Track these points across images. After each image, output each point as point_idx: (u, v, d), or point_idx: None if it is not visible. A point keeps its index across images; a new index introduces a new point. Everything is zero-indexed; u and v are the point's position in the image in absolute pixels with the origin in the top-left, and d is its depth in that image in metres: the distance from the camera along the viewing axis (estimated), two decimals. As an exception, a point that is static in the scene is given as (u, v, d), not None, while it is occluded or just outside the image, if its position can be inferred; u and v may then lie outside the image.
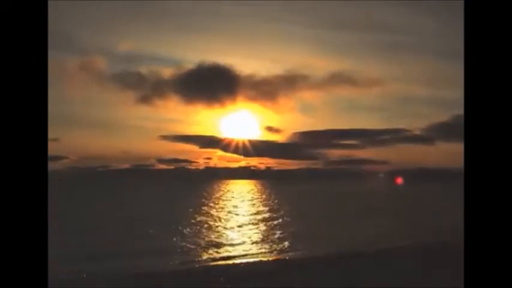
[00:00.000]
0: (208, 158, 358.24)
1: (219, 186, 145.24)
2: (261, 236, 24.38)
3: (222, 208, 47.63)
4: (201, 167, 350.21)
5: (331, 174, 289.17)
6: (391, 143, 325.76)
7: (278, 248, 20.25)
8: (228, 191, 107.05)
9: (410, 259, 15.73)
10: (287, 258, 17.93)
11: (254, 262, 17.16)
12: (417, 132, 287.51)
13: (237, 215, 38.93)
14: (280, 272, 14.46)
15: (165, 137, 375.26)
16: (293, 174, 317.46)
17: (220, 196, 77.36)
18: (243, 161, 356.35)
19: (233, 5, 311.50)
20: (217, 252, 19.35)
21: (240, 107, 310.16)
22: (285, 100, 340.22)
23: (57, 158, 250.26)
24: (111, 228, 27.44)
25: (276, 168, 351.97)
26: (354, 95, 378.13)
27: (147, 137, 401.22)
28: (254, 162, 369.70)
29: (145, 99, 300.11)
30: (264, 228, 28.41)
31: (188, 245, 21.04)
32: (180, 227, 27.69)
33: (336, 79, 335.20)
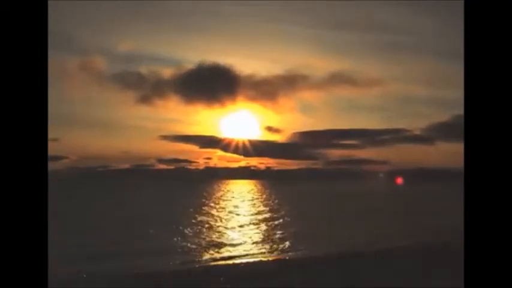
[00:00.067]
0: (208, 158, 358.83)
1: (219, 186, 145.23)
2: (261, 236, 24.38)
3: (222, 208, 47.63)
4: (201, 167, 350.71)
5: (331, 174, 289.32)
6: (391, 143, 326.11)
7: (278, 248, 20.24)
8: (228, 191, 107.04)
9: (410, 259, 15.73)
10: (287, 258, 17.93)
11: (254, 262, 17.16)
12: (417, 132, 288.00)
13: (237, 215, 38.92)
14: (280, 272, 14.46)
15: (165, 137, 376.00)
16: (293, 174, 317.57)
17: (220, 196, 77.36)
18: (243, 161, 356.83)
19: (233, 5, 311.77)
20: (217, 252, 19.34)
21: (240, 107, 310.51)
22: (285, 100, 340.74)
23: (57, 158, 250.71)
24: (111, 228, 27.44)
25: (276, 168, 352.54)
26: (354, 95, 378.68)
27: (147, 137, 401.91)
28: (254, 162, 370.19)
29: (145, 99, 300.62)
30: (264, 228, 28.41)
31: (188, 245, 21.04)
32: (180, 227, 27.68)
33: (336, 79, 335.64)
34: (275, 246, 20.88)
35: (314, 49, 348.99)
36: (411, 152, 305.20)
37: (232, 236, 24.66)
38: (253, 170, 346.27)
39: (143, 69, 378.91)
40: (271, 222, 31.49)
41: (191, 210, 42.75)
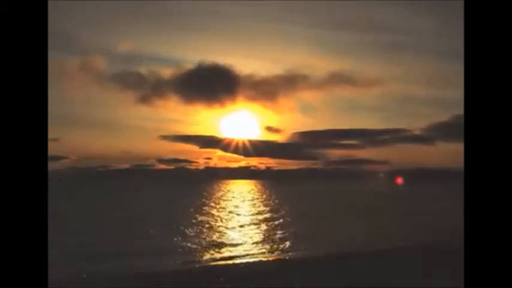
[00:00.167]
0: (208, 158, 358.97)
1: (219, 186, 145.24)
2: (261, 236, 24.37)
3: (222, 208, 47.63)
4: (201, 167, 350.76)
5: (331, 174, 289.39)
6: (391, 143, 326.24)
7: (278, 248, 20.24)
8: (228, 191, 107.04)
9: (410, 259, 15.73)
10: (287, 258, 17.93)
11: (254, 262, 17.16)
12: (417, 132, 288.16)
13: (237, 215, 38.92)
14: (280, 272, 14.46)
15: (165, 137, 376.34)
16: (293, 174, 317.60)
17: (221, 196, 77.36)
18: (243, 161, 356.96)
19: (233, 5, 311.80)
20: (217, 252, 19.34)
21: (240, 107, 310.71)
22: (285, 100, 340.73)
23: (57, 158, 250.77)
24: (111, 228, 27.44)
25: (276, 168, 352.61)
26: (354, 95, 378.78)
27: (147, 137, 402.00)
28: (254, 162, 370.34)
29: (145, 99, 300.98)
30: (264, 228, 28.40)
31: (188, 245, 21.04)
32: (180, 227, 27.68)
33: (336, 79, 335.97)
34: (275, 246, 20.88)
35: (314, 49, 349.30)
36: (411, 152, 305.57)
37: (232, 236, 24.66)
38: (253, 170, 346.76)
39: (143, 69, 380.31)
40: (271, 222, 31.49)
41: (191, 210, 42.75)
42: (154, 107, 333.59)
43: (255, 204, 55.45)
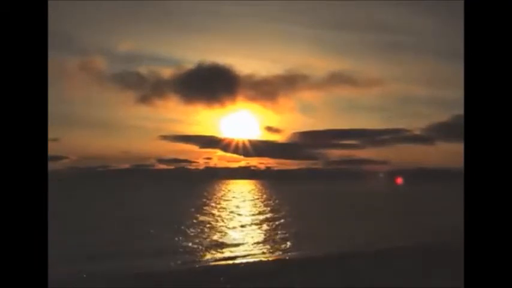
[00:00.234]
0: (208, 158, 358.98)
1: (219, 186, 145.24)
2: (261, 237, 24.37)
3: (222, 208, 47.62)
4: (201, 167, 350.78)
5: (331, 174, 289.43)
6: (391, 143, 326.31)
7: (278, 248, 20.23)
8: (228, 191, 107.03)
9: (410, 259, 15.73)
10: (287, 258, 17.93)
11: (254, 262, 17.15)
12: (417, 132, 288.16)
13: (238, 215, 38.89)
14: (280, 272, 14.46)
15: (165, 137, 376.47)
16: (293, 174, 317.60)
17: (221, 196, 77.36)
18: (243, 161, 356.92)
19: (233, 5, 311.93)
20: (217, 252, 19.33)
21: (240, 107, 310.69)
22: (285, 100, 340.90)
23: (57, 158, 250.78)
24: (111, 228, 27.43)
25: (276, 168, 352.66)
26: (354, 95, 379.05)
27: (147, 137, 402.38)
28: (254, 162, 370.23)
29: (145, 99, 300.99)
30: (264, 228, 28.39)
31: (188, 245, 21.03)
32: (180, 227, 27.67)
33: (336, 79, 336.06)
34: (275, 246, 20.87)
35: (314, 49, 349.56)
36: (411, 152, 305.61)
37: (232, 236, 24.65)
38: (253, 170, 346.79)
39: (143, 69, 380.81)
40: (271, 223, 31.47)
41: (191, 210, 42.75)
42: (154, 107, 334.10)
43: (254, 204, 55.44)
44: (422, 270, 13.69)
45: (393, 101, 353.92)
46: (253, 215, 38.87)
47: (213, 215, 38.56)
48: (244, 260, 17.41)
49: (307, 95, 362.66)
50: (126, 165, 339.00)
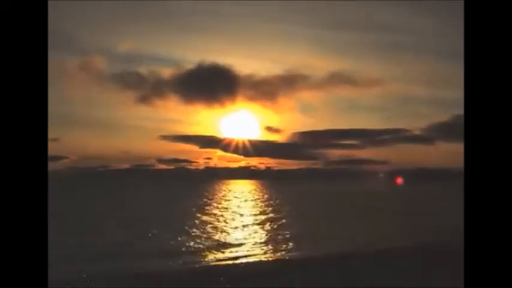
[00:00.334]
0: (208, 158, 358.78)
1: (219, 186, 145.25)
2: (261, 237, 24.37)
3: (223, 208, 47.61)
4: (201, 167, 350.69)
5: (331, 174, 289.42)
6: (391, 143, 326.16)
7: (278, 248, 20.23)
8: (228, 191, 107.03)
9: (410, 259, 15.73)
10: (287, 258, 17.93)
11: (254, 262, 17.16)
12: (417, 132, 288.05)
13: (238, 215, 38.90)
14: (280, 272, 14.46)
15: (165, 137, 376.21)
16: (293, 174, 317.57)
17: (221, 196, 77.37)
18: (243, 161, 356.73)
19: (233, 5, 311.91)
20: (217, 252, 19.33)
21: (239, 107, 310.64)
22: (284, 100, 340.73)
23: (57, 158, 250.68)
24: (111, 228, 27.40)
25: (276, 168, 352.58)
26: (354, 95, 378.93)
27: (147, 137, 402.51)
28: (254, 162, 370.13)
29: (145, 99, 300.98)
30: (263, 228, 28.39)
31: (188, 245, 21.04)
32: (180, 227, 27.67)
33: (336, 79, 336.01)
34: (275, 246, 20.87)
35: (314, 49, 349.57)
36: (411, 152, 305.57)
37: (232, 236, 24.64)
38: (253, 170, 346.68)
39: (143, 69, 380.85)
40: (271, 223, 31.47)
41: (191, 210, 42.75)
42: (154, 107, 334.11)
43: (254, 204, 55.44)
44: (422, 270, 13.69)
45: (393, 101, 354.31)
46: (253, 215, 38.86)
47: (213, 215, 38.55)
48: (244, 260, 17.42)
49: (307, 95, 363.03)
50: (126, 165, 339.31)
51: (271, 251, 19.78)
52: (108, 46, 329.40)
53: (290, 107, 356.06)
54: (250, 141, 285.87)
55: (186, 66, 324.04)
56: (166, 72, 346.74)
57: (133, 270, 14.90)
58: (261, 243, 21.93)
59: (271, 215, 38.18)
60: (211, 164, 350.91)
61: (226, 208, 47.58)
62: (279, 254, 19.01)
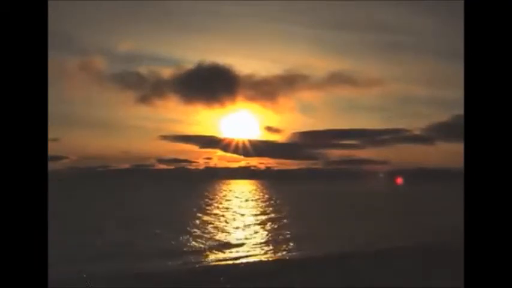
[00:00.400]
0: (208, 158, 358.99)
1: (219, 186, 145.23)
2: (261, 237, 24.36)
3: (224, 208, 47.61)
4: (201, 167, 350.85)
5: (331, 174, 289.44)
6: (391, 143, 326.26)
7: (278, 248, 20.22)
8: (228, 191, 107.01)
9: (410, 259, 15.73)
10: (287, 258, 17.93)
11: (254, 262, 17.15)
12: (417, 132, 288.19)
13: (238, 215, 38.89)
14: (280, 272, 14.46)
15: (165, 137, 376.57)
16: (293, 174, 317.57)
17: (221, 196, 77.35)
18: (243, 161, 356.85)
19: (233, 5, 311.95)
20: (217, 252, 19.33)
21: (239, 107, 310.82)
22: (284, 100, 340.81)
23: (57, 158, 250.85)
24: (111, 228, 27.39)
25: (276, 168, 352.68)
26: (354, 95, 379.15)
27: (147, 137, 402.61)
28: (254, 162, 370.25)
29: (145, 99, 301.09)
30: (263, 228, 28.38)
31: (188, 245, 21.04)
32: (180, 227, 27.66)
33: (336, 79, 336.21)
34: (275, 246, 20.86)
35: (314, 49, 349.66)
36: (411, 152, 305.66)
37: (233, 236, 24.64)
38: (253, 170, 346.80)
39: (143, 69, 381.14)
40: (271, 223, 31.47)
41: (191, 210, 42.74)
42: (154, 107, 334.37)
43: (254, 204, 55.43)
44: (422, 270, 13.68)
45: (393, 101, 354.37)
46: (253, 215, 38.85)
47: (213, 215, 38.55)
48: (244, 260, 17.41)
49: (307, 95, 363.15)
50: (126, 165, 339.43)
51: (271, 251, 19.78)
52: (108, 46, 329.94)
53: (290, 107, 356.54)
54: (250, 141, 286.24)
55: (186, 66, 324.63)
56: (166, 72, 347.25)
57: (133, 270, 14.89)
58: (261, 243, 21.92)
59: (271, 215, 38.16)
60: (211, 164, 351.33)
61: (226, 208, 47.56)
62: (279, 254, 19.00)
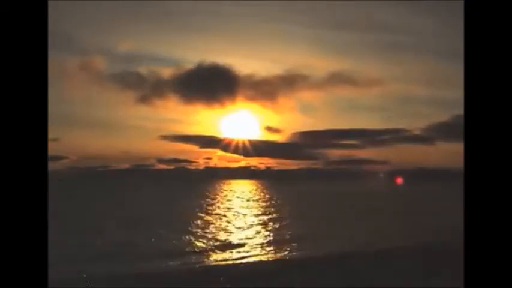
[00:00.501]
0: (208, 158, 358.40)
1: (219, 186, 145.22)
2: (262, 237, 24.36)
3: (223, 209, 47.61)
4: (201, 167, 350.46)
5: (331, 174, 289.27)
6: (391, 143, 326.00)
7: (278, 249, 20.22)
8: (228, 190, 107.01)
9: (410, 259, 15.73)
10: (287, 258, 17.93)
11: (254, 262, 17.16)
12: (417, 132, 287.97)
13: (239, 215, 38.90)
14: (280, 272, 14.45)
15: (165, 137, 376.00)
16: (293, 174, 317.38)
17: (220, 196, 77.35)
18: (243, 161, 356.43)
19: (233, 5, 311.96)
20: (217, 252, 19.33)
21: (239, 107, 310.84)
22: (284, 100, 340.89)
23: (57, 158, 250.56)
24: (111, 228, 27.40)
25: (276, 168, 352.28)
26: (354, 95, 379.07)
27: (147, 137, 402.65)
28: (254, 162, 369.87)
29: (145, 99, 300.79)
30: (264, 229, 28.39)
31: (188, 245, 21.04)
32: (180, 227, 27.67)
33: (336, 79, 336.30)
34: (275, 246, 20.86)
35: (314, 49, 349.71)
36: (411, 152, 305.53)
37: (233, 236, 24.64)
38: (253, 170, 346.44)
39: (143, 69, 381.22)
40: (271, 223, 31.47)
41: (191, 210, 42.74)
42: (154, 107, 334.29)
43: (254, 204, 55.43)
44: (422, 270, 13.68)
45: (393, 101, 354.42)
46: (254, 215, 38.86)
47: (214, 215, 38.55)
48: (244, 260, 17.41)
49: (307, 95, 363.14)
50: (126, 165, 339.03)
51: (271, 251, 19.78)
52: (108, 46, 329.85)
53: (290, 107, 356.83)
54: (250, 141, 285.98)
55: (186, 66, 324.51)
56: (166, 72, 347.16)
57: (133, 270, 14.89)
58: (261, 243, 21.93)
59: (272, 215, 38.16)
60: (211, 164, 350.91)
61: (226, 208, 47.56)
62: (279, 254, 19.00)
